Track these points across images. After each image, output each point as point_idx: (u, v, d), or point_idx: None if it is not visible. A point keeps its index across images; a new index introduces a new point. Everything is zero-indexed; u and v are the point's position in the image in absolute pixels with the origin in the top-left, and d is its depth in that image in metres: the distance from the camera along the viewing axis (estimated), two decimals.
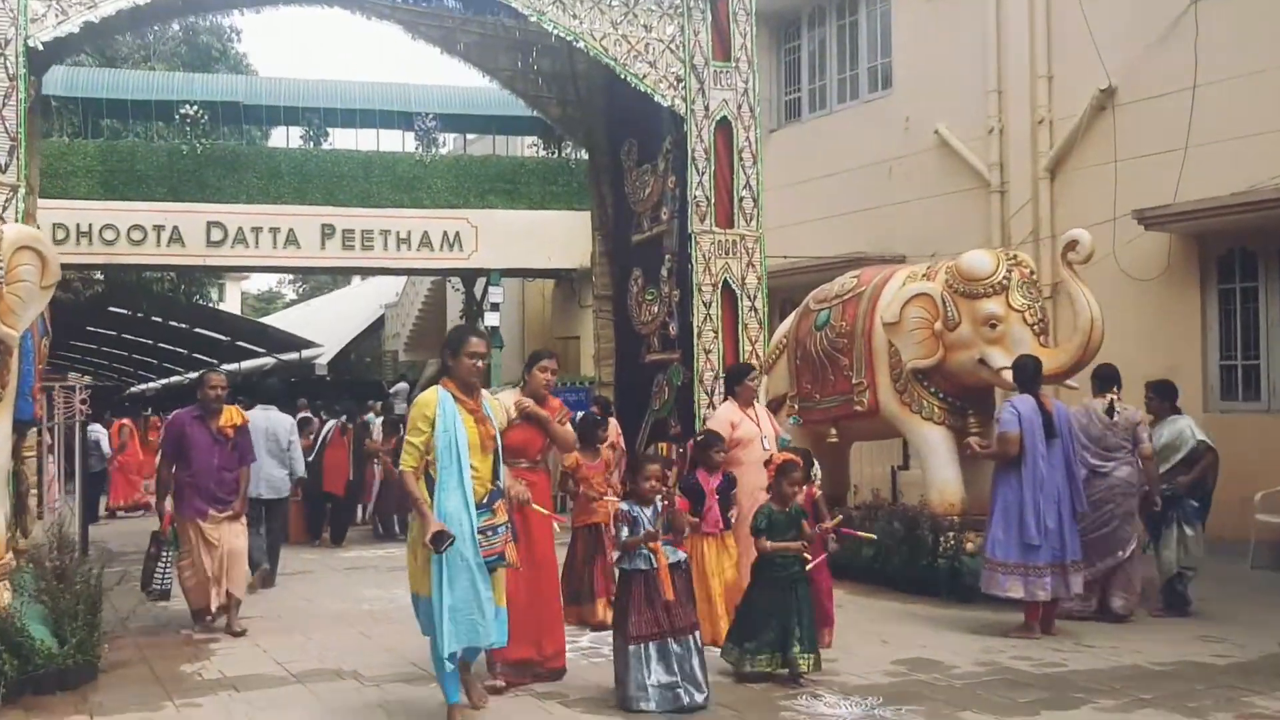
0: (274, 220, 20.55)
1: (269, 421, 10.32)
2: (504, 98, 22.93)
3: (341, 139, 22.40)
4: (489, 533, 5.31)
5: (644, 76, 11.97)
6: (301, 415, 14.36)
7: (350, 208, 20.92)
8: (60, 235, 19.56)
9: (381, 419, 16.39)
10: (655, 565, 5.85)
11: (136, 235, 20.01)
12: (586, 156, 21.99)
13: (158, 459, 9.56)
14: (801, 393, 11.05)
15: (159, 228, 20.06)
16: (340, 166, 21.19)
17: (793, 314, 11.53)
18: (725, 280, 12.26)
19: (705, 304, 12.12)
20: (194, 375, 50.85)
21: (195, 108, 20.44)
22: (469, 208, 21.46)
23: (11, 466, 8.14)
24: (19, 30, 9.34)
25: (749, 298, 12.35)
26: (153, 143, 21.07)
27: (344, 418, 14.78)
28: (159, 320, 33.04)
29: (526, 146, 23.81)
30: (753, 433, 7.93)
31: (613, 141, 13.63)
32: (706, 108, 12.25)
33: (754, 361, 12.01)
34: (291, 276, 74.29)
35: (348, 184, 21.10)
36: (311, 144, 21.54)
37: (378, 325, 37.52)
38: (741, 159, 12.43)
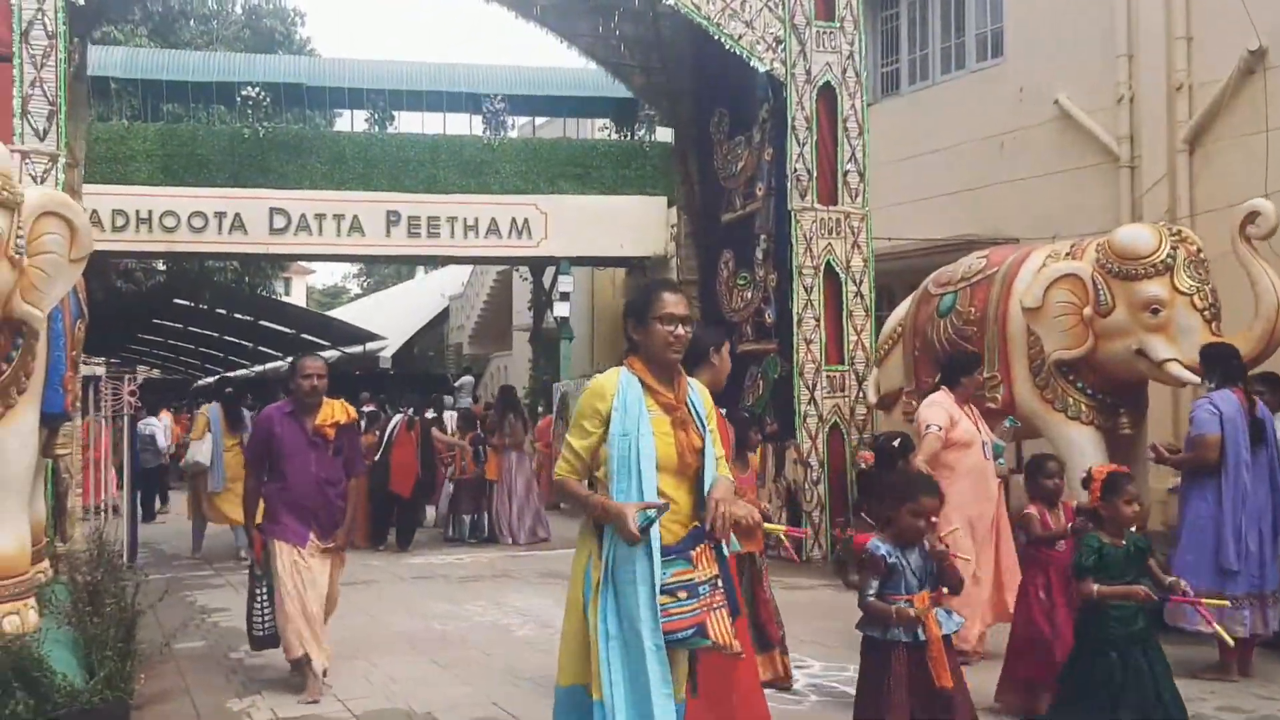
0: (338, 207, 19.71)
1: None
2: (575, 78, 22.22)
3: (407, 122, 21.59)
4: (682, 594, 3.38)
5: (739, 37, 10.87)
6: (368, 410, 13.45)
7: (416, 194, 20.00)
8: (120, 222, 18.93)
9: (456, 412, 15.50)
10: (925, 638, 4.16)
11: (197, 222, 19.25)
12: (670, 130, 21.20)
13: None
14: (921, 388, 9.84)
15: (220, 214, 19.29)
16: (406, 151, 20.30)
17: (908, 300, 10.33)
18: (828, 262, 11.17)
19: (806, 289, 11.03)
20: (259, 369, 50.97)
21: (257, 90, 19.72)
22: (538, 193, 20.44)
23: (44, 465, 7.26)
24: None
25: (854, 282, 11.24)
26: (214, 126, 20.35)
27: (410, 411, 13.67)
28: (223, 313, 32.64)
29: (598, 129, 22.77)
30: (972, 435, 6.73)
31: (701, 112, 12.53)
32: (808, 72, 11.13)
33: (860, 352, 10.87)
34: (356, 271, 74.32)
35: (413, 169, 20.21)
36: (376, 128, 20.68)
37: (442, 318, 36.79)
38: (846, 129, 11.31)
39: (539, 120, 23.61)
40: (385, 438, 12.38)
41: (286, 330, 36.77)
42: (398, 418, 13.08)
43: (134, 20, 23.89)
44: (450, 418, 15.00)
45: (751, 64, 10.92)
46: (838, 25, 11.24)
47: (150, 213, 19.05)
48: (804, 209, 11.03)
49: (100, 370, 11.14)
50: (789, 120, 10.97)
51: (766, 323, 11.46)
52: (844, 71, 11.24)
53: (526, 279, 23.62)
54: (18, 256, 5.54)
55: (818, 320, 11.04)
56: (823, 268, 11.10)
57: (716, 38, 10.76)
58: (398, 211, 19.79)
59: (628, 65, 12.46)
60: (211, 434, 11.57)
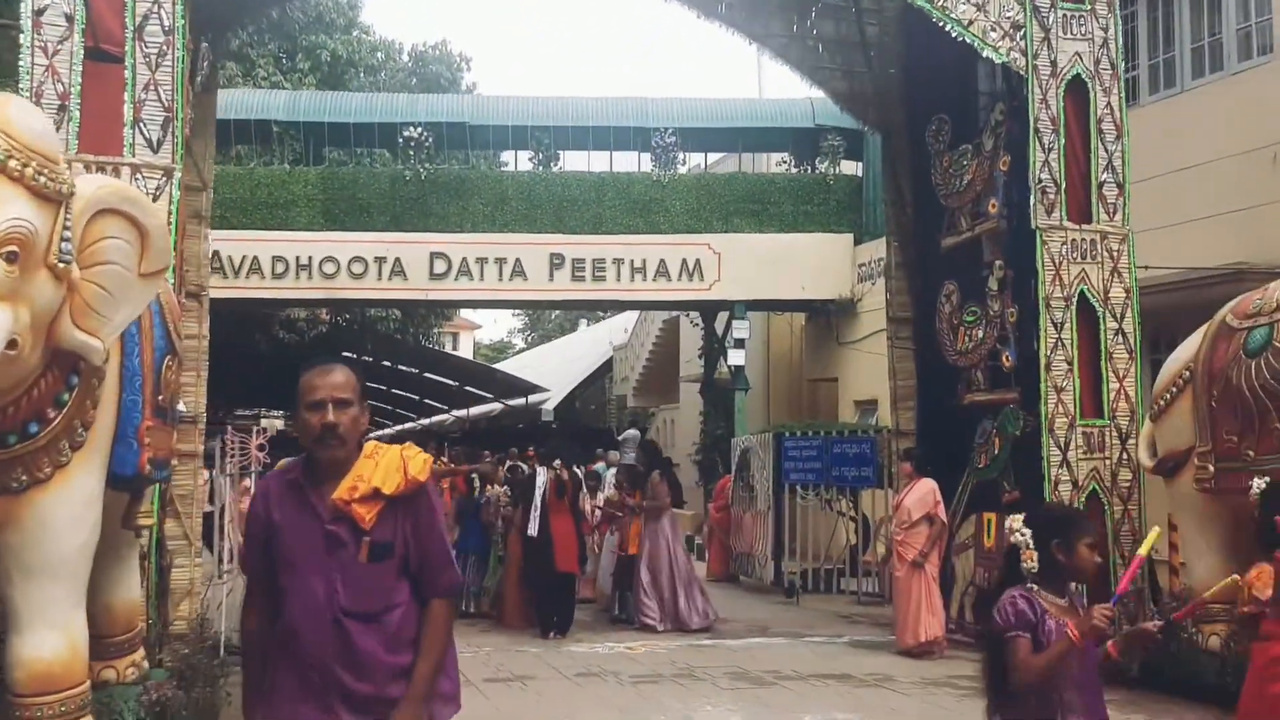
0: (500, 250, 18.62)
1: None
2: (750, 109, 20.65)
3: (572, 161, 20.32)
4: None
5: (968, 23, 9.00)
6: (509, 464, 11.86)
7: (581, 235, 18.75)
8: (279, 269, 18.27)
9: (615, 469, 13.85)
10: None
11: (357, 268, 18.44)
12: (856, 162, 19.39)
13: None
14: (1222, 449, 7.65)
15: (380, 260, 18.45)
16: (570, 190, 19.03)
17: (1194, 337, 8.18)
18: (1082, 293, 9.10)
19: (1055, 325, 8.97)
20: (425, 422, 51.00)
21: (419, 130, 18.73)
22: (711, 232, 18.92)
23: (133, 539, 5.87)
24: None
25: (1114, 316, 9.13)
26: (375, 169, 19.56)
27: (557, 463, 11.12)
28: (387, 364, 32.17)
29: (775, 164, 21.06)
30: None
31: (915, 120, 10.66)
32: (1053, 63, 9.16)
33: (1123, 403, 8.72)
34: (522, 325, 74.53)
35: (578, 209, 18.92)
36: (540, 166, 19.48)
37: (605, 368, 35.51)
38: (1101, 131, 9.27)
39: (712, 156, 22.03)
40: (536, 505, 10.49)
41: (450, 382, 36.28)
42: (542, 476, 10.90)
43: (265, 30, 23.48)
44: (609, 476, 13.34)
45: (985, 54, 9.03)
46: (1088, 8, 9.26)
47: (310, 259, 18.35)
48: (1051, 227, 9.02)
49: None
50: (1030, 121, 9.01)
51: (1004, 367, 9.44)
52: (1097, 63, 9.23)
53: (697, 324, 21.97)
54: (63, 266, 4.12)
55: (1070, 364, 8.96)
56: (1075, 299, 9.04)
57: (941, 25, 8.92)
58: (561, 254, 18.60)
59: (826, 68, 10.70)
60: None
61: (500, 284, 18.65)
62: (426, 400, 42.51)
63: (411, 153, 18.79)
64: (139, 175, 7.17)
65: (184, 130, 7.43)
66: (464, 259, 18.48)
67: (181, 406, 7.55)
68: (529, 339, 71.49)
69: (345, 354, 29.61)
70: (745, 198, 19.16)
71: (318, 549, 3.01)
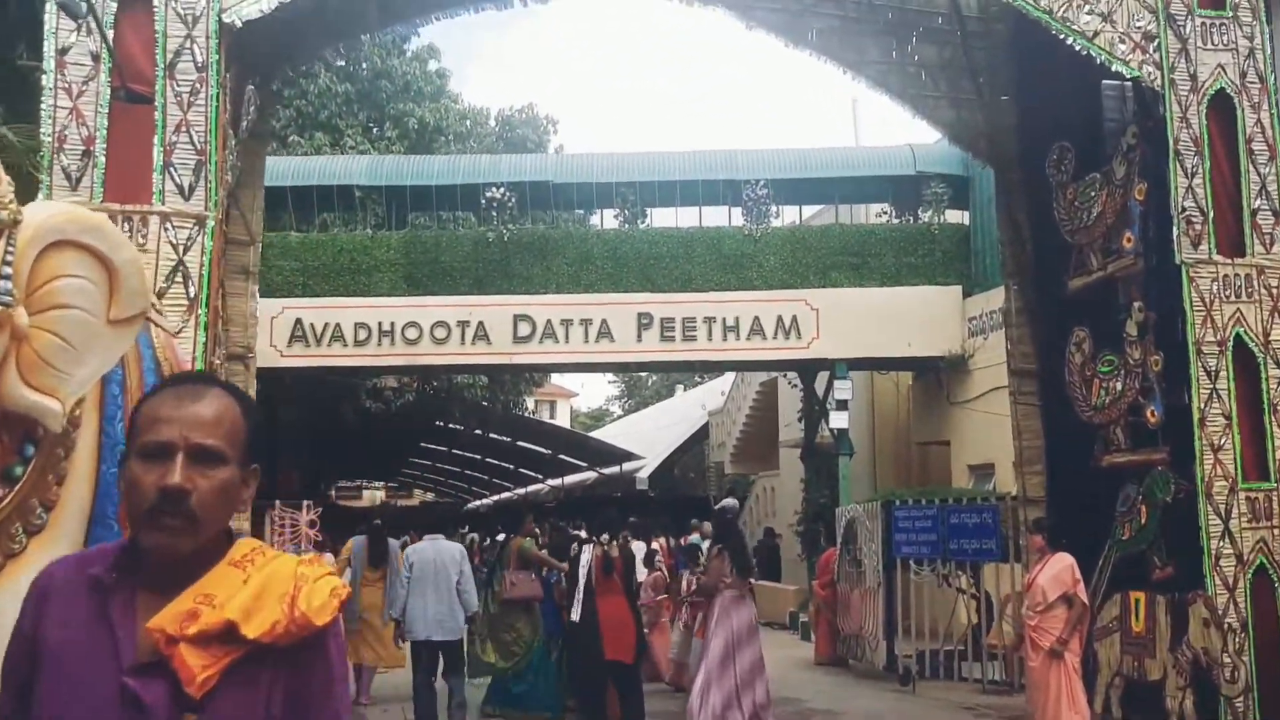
0: (585, 311, 17.94)
1: (436, 552, 9.03)
2: (846, 158, 19.66)
3: (660, 217, 19.58)
4: None
5: (1093, 35, 7.96)
6: (575, 535, 10.84)
7: (669, 293, 17.97)
8: (362, 335, 17.85)
9: (710, 541, 12.79)
10: None
11: (440, 333, 17.92)
12: (963, 211, 18.25)
13: None
14: None
15: (463, 324, 17.93)
16: (658, 247, 18.29)
17: None
18: (1237, 335, 7.87)
19: (1209, 372, 7.79)
20: (522, 491, 50.55)
21: (502, 190, 18.24)
22: (808, 287, 17.99)
23: None
24: (209, 3, 6.66)
25: (1277, 362, 7.87)
26: (458, 231, 19.08)
27: (604, 538, 9.51)
28: (479, 433, 31.65)
29: (874, 214, 20.02)
30: None
31: (1032, 150, 9.58)
32: (1193, 77, 8.08)
33: None
34: (618, 393, 73.99)
35: (667, 266, 18.16)
36: (626, 224, 18.77)
37: (701, 435, 34.48)
38: (1251, 153, 8.11)
39: (807, 209, 21.09)
40: (582, 581, 9.11)
41: (543, 450, 35.65)
42: (586, 554, 9.29)
43: (323, 69, 23.32)
44: (705, 548, 12.28)
45: (1114, 69, 7.97)
46: (1229, 14, 8.15)
47: (393, 325, 17.93)
48: (1199, 262, 7.85)
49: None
50: (1169, 143, 7.90)
51: (1148, 423, 8.22)
52: (1243, 75, 8.09)
53: (795, 386, 20.88)
54: (5, 309, 3.36)
55: (1227, 418, 7.72)
56: (1230, 344, 7.82)
57: (1062, 38, 7.90)
58: (649, 313, 17.85)
59: (930, 96, 9.70)
60: (352, 568, 10.36)
61: (586, 346, 17.95)
62: (521, 469, 41.99)
63: (494, 214, 18.29)
64: (169, 224, 6.53)
65: (222, 176, 6.79)
66: (548, 321, 17.86)
67: None
68: (625, 406, 70.94)
69: (440, 424, 29.20)
70: (844, 250, 18.18)
71: (102, 715, 1.67)
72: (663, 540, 14.70)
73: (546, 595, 9.89)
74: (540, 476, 43.53)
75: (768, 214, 18.45)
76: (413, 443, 37.03)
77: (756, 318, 17.77)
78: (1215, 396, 7.74)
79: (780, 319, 17.78)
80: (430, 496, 58.02)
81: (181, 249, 6.52)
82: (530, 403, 44.37)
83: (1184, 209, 7.86)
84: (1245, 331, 7.85)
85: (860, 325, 17.59)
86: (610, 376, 69.85)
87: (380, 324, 17.94)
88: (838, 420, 17.91)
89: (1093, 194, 8.71)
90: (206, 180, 6.64)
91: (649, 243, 18.32)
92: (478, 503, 53.27)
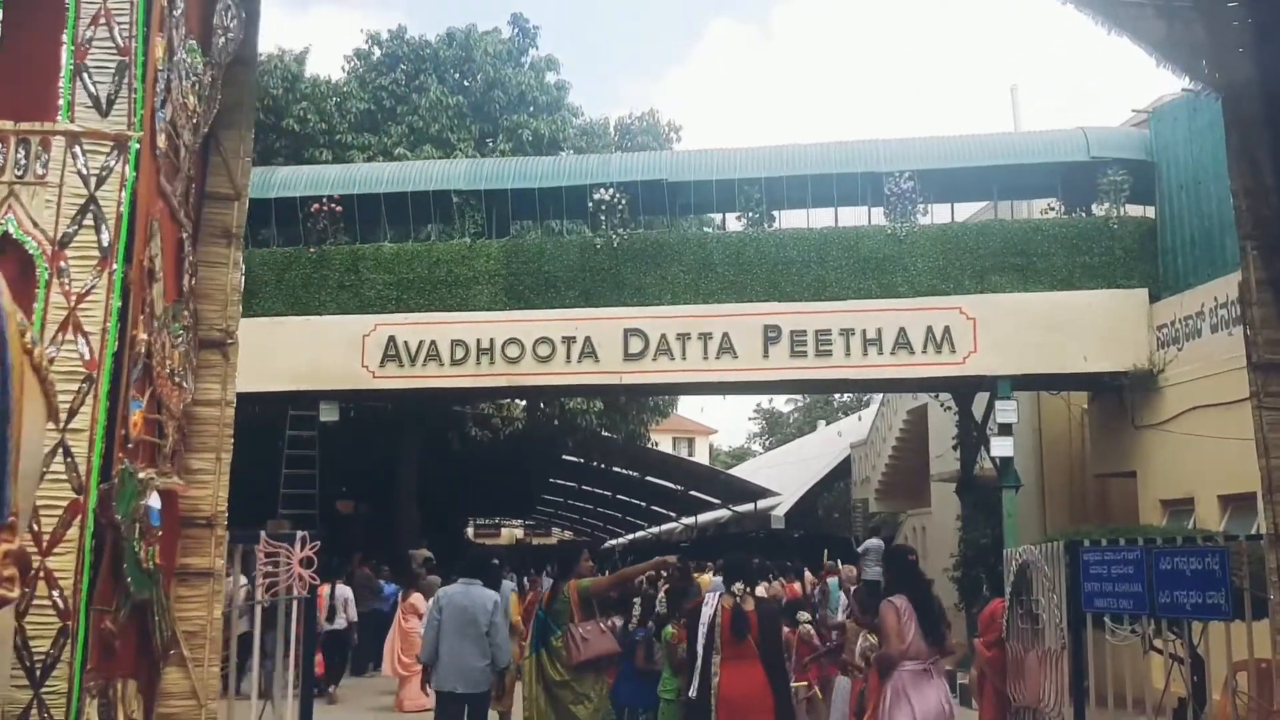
0: (704, 324, 15.95)
1: (468, 599, 8.21)
2: (1006, 145, 16.74)
3: (789, 218, 17.38)
4: None
5: None
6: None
7: (801, 303, 15.82)
8: (459, 354, 16.26)
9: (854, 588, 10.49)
10: None
11: (543, 350, 16.15)
12: (1154, 199, 15.53)
13: None
14: None
15: (569, 339, 16.16)
16: (787, 251, 16.13)
17: None
18: None
19: None
20: (656, 530, 48.48)
21: (611, 191, 16.39)
22: (962, 293, 15.58)
23: None
24: None
25: None
26: (563, 238, 17.28)
27: (737, 587, 7.18)
28: (600, 466, 29.85)
29: (1041, 210, 17.38)
30: None
31: (1274, 72, 7.08)
32: None
33: None
34: (759, 430, 71.31)
35: (797, 272, 16.00)
36: (751, 226, 16.64)
37: (844, 469, 31.84)
38: None
39: (960, 207, 18.53)
40: (699, 644, 6.76)
41: (674, 486, 33.63)
42: (712, 605, 7.02)
43: (434, 80, 21.98)
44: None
45: None
46: None
47: (492, 342, 16.29)
48: None
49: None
50: None
51: None
52: None
53: (949, 408, 18.29)
54: None
55: None
56: None
57: None
58: (777, 326, 15.75)
59: (1131, 3, 7.29)
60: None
61: (706, 363, 15.90)
62: (653, 507, 40.06)
63: (603, 218, 16.43)
64: (78, 147, 4.73)
65: (150, 88, 4.97)
66: (663, 335, 15.92)
67: (154, 503, 5.03)
68: (767, 444, 68.44)
69: (568, 457, 27.44)
70: (1005, 250, 15.72)
71: None
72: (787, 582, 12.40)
73: (629, 653, 7.76)
74: (673, 514, 41.53)
75: (914, 210, 16.08)
76: (542, 478, 35.55)
77: (902, 329, 15.45)
78: None
79: (930, 330, 15.43)
80: (569, 535, 56.62)
81: (93, 181, 4.73)
82: (667, 441, 42.46)
83: None
84: None
85: (1026, 336, 15.14)
86: (750, 412, 67.49)
87: (479, 341, 16.31)
88: (1000, 448, 15.34)
89: None
90: (131, 89, 4.84)
91: (777, 246, 16.17)
92: (613, 541, 51.58)
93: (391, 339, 16.35)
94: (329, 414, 16.43)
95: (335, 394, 16.41)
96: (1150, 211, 15.83)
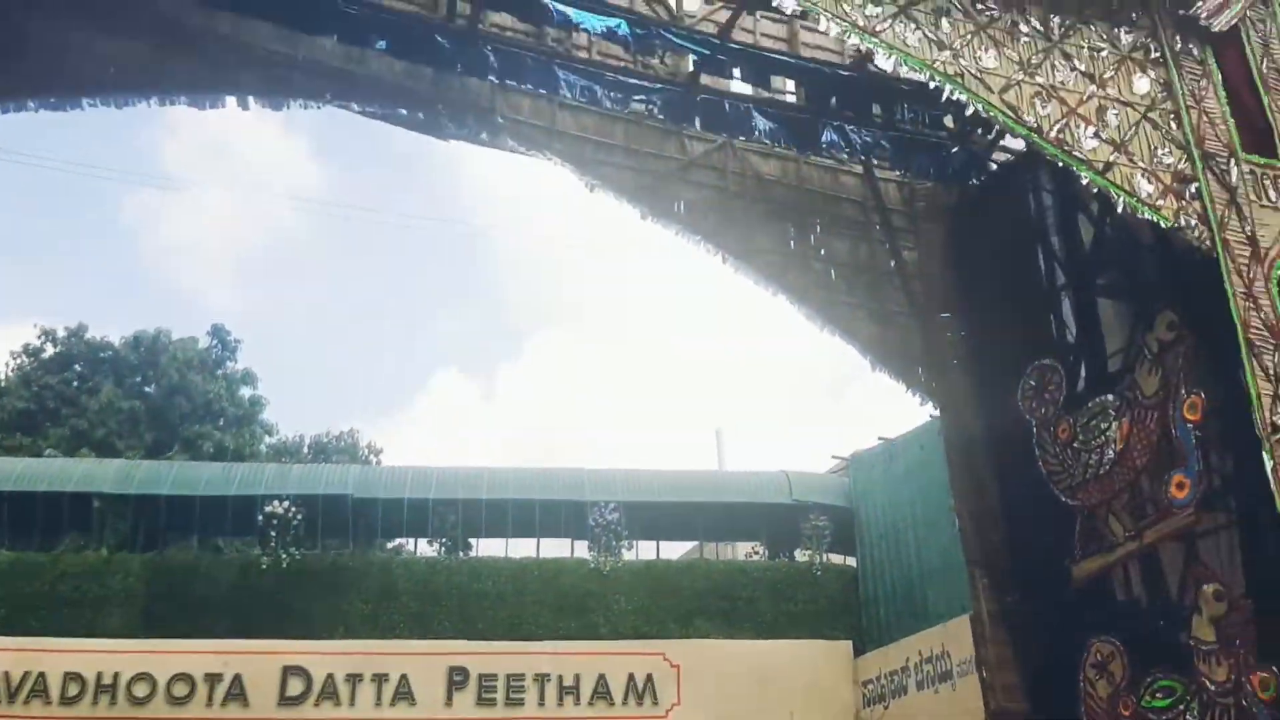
0: (381, 663, 14.02)
1: None
2: (712, 482, 16.74)
3: (486, 547, 16.02)
4: None
5: (1105, 169, 5.37)
6: None
7: (493, 642, 14.17)
8: (72, 690, 13.30)
9: None
10: None
11: (179, 689, 13.59)
12: (857, 547, 15.16)
13: None
14: None
15: (213, 677, 13.68)
16: (482, 582, 14.77)
17: None
18: None
19: None
20: None
21: (286, 505, 14.54)
22: (666, 637, 14.49)
23: None
24: None
25: None
26: (222, 555, 15.06)
27: None
28: None
29: (746, 552, 16.89)
30: None
31: (991, 378, 6.66)
32: (1252, 239, 5.63)
33: None
34: None
35: (490, 607, 14.61)
36: (444, 551, 15.14)
37: None
38: None
39: (666, 546, 17.76)
40: None
41: None
42: None
43: (109, 381, 19.69)
44: None
45: (1142, 216, 5.25)
46: None
47: (116, 676, 13.56)
48: None
49: None
50: (1238, 329, 5.05)
51: None
52: None
53: None
54: None
55: None
56: None
57: (1061, 165, 5.22)
58: (464, 668, 14.16)
59: (845, 303, 6.85)
60: None
61: (378, 710, 13.76)
62: None
63: (274, 534, 14.44)
64: None
65: None
66: (329, 676, 13.75)
67: None
68: None
69: None
70: (710, 592, 15.02)
71: None
72: None
73: None
74: None
75: (619, 545, 15.11)
76: None
77: (602, 676, 14.14)
78: None
79: (633, 678, 14.21)
80: None
81: None
82: None
83: (1276, 429, 4.86)
84: None
85: (731, 688, 14.03)
86: None
87: (101, 675, 13.48)
88: None
89: (1105, 425, 5.71)
90: None
91: (470, 575, 14.78)
92: None
93: None
94: None
95: None
96: (853, 560, 15.58)
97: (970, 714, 10.22)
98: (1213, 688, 5.14)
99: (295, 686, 13.65)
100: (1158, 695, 5.45)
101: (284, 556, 14.36)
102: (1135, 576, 5.74)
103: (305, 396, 46.68)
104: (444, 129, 6.76)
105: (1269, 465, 4.87)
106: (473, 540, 15.81)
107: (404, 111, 6.46)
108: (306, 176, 51.06)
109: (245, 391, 24.73)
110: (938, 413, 7.23)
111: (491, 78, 6.32)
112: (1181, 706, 5.28)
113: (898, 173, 7.16)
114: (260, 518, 14.62)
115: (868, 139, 6.60)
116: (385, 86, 6.46)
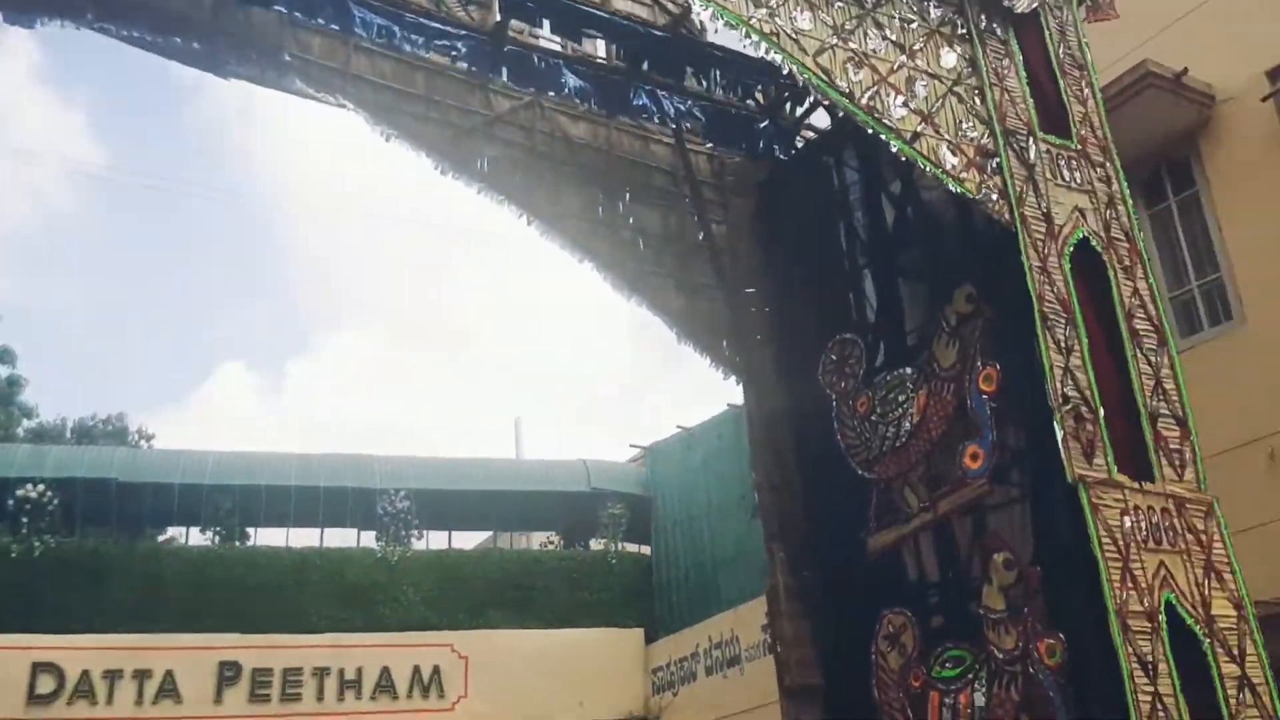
0: (143, 658, 12.90)
1: None
2: (507, 471, 16.35)
3: (266, 535, 15.14)
4: None
5: (913, 139, 5.36)
6: None
7: (269, 635, 13.28)
8: None
9: None
10: None
11: None
12: (651, 534, 15.15)
13: None
14: None
15: None
16: (259, 573, 13.81)
17: None
18: (1168, 603, 4.82)
19: (1144, 665, 4.57)
20: None
21: (41, 489, 13.30)
22: (455, 628, 13.91)
23: None
24: None
25: (1228, 652, 4.84)
26: None
27: None
28: None
29: (540, 541, 16.62)
30: None
31: (795, 354, 6.62)
32: (1047, 216, 5.86)
33: None
34: None
35: (269, 598, 13.64)
36: (218, 539, 14.20)
37: None
38: (1136, 334, 5.67)
39: (459, 536, 17.26)
40: None
41: None
42: None
43: None
44: None
45: (949, 187, 5.28)
46: (1076, 147, 5.86)
47: None
48: (1100, 483, 4.90)
49: None
50: (1034, 302, 5.15)
51: None
52: (1106, 228, 5.70)
53: None
54: None
55: None
56: (1163, 615, 4.75)
57: (871, 132, 5.18)
58: (237, 662, 13.14)
59: (653, 273, 6.68)
60: None
61: (139, 709, 12.66)
62: None
63: (25, 520, 13.20)
64: None
65: None
66: (84, 673, 12.53)
67: None
68: None
69: None
70: (503, 583, 14.55)
71: None
72: None
73: None
74: None
75: (409, 535, 14.57)
76: None
77: (386, 668, 13.46)
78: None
79: (418, 670, 13.57)
80: None
81: None
82: None
83: (1067, 399, 4.95)
84: (1177, 600, 4.81)
85: (520, 679, 13.63)
86: None
87: None
88: None
89: (902, 398, 5.72)
90: None
91: (247, 566, 13.80)
92: None
93: None
94: None
95: None
96: (646, 550, 15.56)
97: (758, 697, 10.30)
98: (1001, 656, 5.22)
99: (46, 684, 12.43)
100: (947, 665, 5.50)
101: (37, 544, 13.13)
102: (928, 548, 5.81)
103: (76, 382, 43.56)
104: (224, 64, 6.19)
105: (1059, 436, 4.98)
106: (251, 530, 14.90)
107: (179, 40, 5.87)
108: (85, 154, 47.67)
109: (1, 370, 22.74)
110: (740, 389, 7.20)
111: (279, 8, 5.82)
112: (970, 675, 5.34)
113: (708, 145, 7.08)
114: (11, 502, 13.36)
115: (680, 106, 6.45)
116: (157, 11, 5.85)
